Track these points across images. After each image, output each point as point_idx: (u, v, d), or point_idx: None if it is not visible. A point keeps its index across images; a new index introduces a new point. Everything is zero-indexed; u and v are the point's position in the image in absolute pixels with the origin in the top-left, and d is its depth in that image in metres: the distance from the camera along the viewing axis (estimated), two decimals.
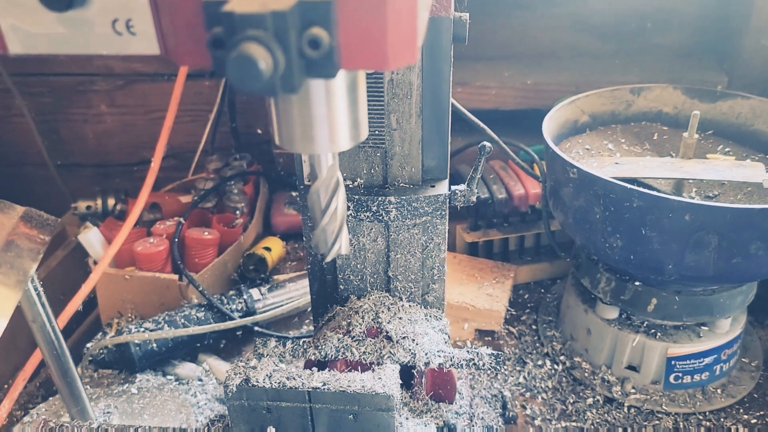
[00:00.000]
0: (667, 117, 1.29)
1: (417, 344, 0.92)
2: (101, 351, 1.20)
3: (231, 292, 1.31)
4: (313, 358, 0.91)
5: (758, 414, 1.13)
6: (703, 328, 1.14)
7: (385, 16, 0.43)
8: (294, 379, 0.76)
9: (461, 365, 0.92)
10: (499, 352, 0.92)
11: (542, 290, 1.43)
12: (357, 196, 0.88)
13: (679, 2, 1.54)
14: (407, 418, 0.90)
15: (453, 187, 0.91)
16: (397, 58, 0.45)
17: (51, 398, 1.16)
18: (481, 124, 1.09)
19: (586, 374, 1.19)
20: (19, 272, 0.53)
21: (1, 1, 0.48)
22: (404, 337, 0.92)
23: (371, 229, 0.92)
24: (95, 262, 1.32)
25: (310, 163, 0.53)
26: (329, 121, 0.49)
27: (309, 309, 1.38)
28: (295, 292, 1.35)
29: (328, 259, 0.58)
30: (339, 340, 0.93)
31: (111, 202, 1.52)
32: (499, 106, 1.51)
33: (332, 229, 0.57)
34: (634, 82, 1.30)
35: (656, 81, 1.32)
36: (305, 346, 0.94)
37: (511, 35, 1.59)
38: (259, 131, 1.77)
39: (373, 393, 0.74)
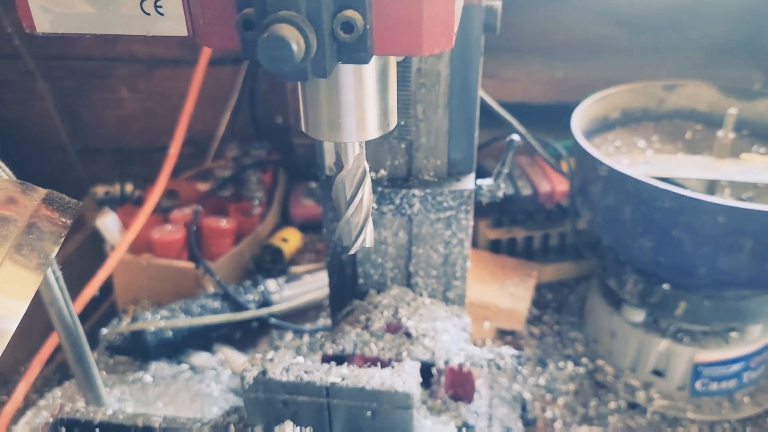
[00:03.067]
0: (700, 115, 1.24)
1: (437, 342, 0.89)
2: (117, 337, 1.19)
3: (247, 283, 1.30)
4: (330, 352, 0.89)
5: None
6: (732, 334, 1.10)
7: (422, 0, 0.40)
8: (312, 373, 0.74)
9: (482, 365, 0.90)
10: (521, 353, 0.90)
11: (566, 290, 1.40)
12: (380, 188, 0.85)
13: None
14: (425, 417, 0.88)
15: (479, 182, 0.88)
16: (432, 43, 0.42)
17: (66, 383, 1.16)
18: (509, 117, 1.06)
19: (609, 378, 1.16)
20: (40, 255, 0.51)
21: None
22: (424, 334, 0.90)
23: (393, 222, 0.90)
24: (112, 248, 1.32)
25: (336, 153, 0.51)
26: (358, 109, 0.46)
27: (326, 302, 1.36)
28: (312, 285, 1.33)
29: (352, 251, 0.56)
30: (357, 334, 0.91)
31: (129, 187, 1.52)
32: (527, 100, 1.47)
33: (357, 221, 0.55)
34: (666, 78, 1.26)
35: (689, 77, 1.28)
36: (323, 340, 0.92)
37: (540, 27, 1.55)
38: (279, 120, 1.75)
39: (393, 390, 0.72)
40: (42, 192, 0.59)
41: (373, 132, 0.48)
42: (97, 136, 1.78)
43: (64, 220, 0.56)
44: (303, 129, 0.48)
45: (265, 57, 0.36)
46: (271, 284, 1.29)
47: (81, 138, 1.78)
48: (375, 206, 0.87)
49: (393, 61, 0.49)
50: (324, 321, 1.34)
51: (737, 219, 0.89)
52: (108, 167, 1.80)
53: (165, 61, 1.69)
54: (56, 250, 0.57)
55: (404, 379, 0.75)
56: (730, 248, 0.91)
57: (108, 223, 1.30)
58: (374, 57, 0.43)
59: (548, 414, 1.10)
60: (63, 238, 0.58)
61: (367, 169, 0.54)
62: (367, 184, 0.54)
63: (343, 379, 0.74)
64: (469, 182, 0.86)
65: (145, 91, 1.72)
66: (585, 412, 1.11)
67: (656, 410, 1.10)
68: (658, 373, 1.13)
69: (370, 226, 0.57)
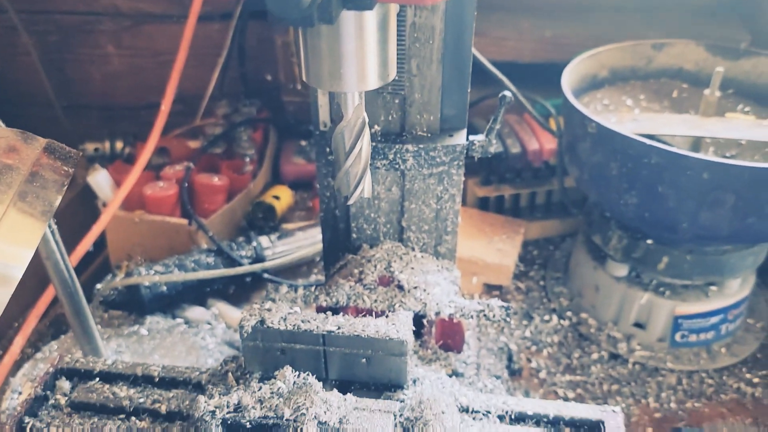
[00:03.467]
0: (687, 74, 1.26)
1: (428, 294, 0.92)
2: (111, 292, 1.20)
3: (240, 239, 1.31)
4: (324, 304, 0.92)
5: (761, 373, 1.14)
6: (711, 288, 1.14)
7: None
8: (309, 322, 0.76)
9: (471, 316, 0.93)
10: (509, 305, 0.93)
11: (552, 247, 1.43)
12: (374, 144, 0.86)
13: None
14: (416, 365, 0.91)
15: (471, 137, 0.89)
16: None
17: (63, 336, 1.18)
18: (500, 75, 1.07)
19: (592, 330, 1.20)
20: (44, 203, 0.52)
21: None
22: (416, 287, 0.92)
23: (387, 177, 0.91)
24: (104, 205, 1.32)
25: (336, 103, 0.52)
26: (359, 58, 0.47)
27: (318, 258, 1.38)
28: (305, 241, 1.35)
29: (351, 201, 0.58)
30: (351, 287, 0.93)
31: (119, 145, 1.51)
32: (517, 59, 1.47)
33: (356, 171, 0.56)
34: (655, 39, 1.27)
35: (678, 38, 1.29)
36: (317, 293, 0.94)
37: None
38: (269, 77, 1.73)
39: (387, 338, 0.75)
40: (42, 141, 0.59)
41: (373, 82, 0.49)
42: (83, 92, 1.76)
43: (66, 169, 0.57)
44: (304, 79, 0.49)
45: (273, 2, 0.37)
46: (264, 240, 1.31)
47: (67, 94, 1.76)
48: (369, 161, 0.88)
49: (393, 11, 0.50)
50: (316, 277, 1.36)
51: (720, 175, 0.91)
52: (96, 124, 1.78)
53: (151, 17, 1.66)
54: (59, 198, 0.58)
55: (398, 327, 0.77)
56: (712, 204, 0.94)
57: (100, 179, 1.30)
58: (376, 6, 0.44)
59: (533, 364, 1.15)
60: (66, 187, 0.58)
61: (366, 120, 0.55)
62: (366, 135, 0.56)
63: (339, 328, 0.76)
64: (461, 138, 0.88)
65: (132, 47, 1.70)
66: (569, 362, 1.15)
67: (637, 361, 1.14)
68: (639, 325, 1.17)
69: (368, 176, 0.58)
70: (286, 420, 0.65)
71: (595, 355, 1.16)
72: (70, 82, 1.74)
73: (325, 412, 0.65)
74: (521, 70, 1.46)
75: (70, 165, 0.56)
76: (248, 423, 0.66)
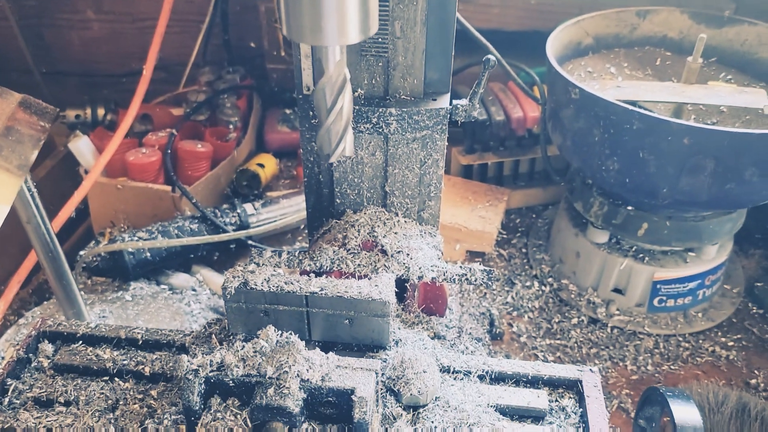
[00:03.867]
0: (671, 42, 1.26)
1: (411, 258, 0.93)
2: (95, 258, 1.20)
3: (224, 206, 1.31)
4: (308, 268, 0.92)
5: (735, 337, 1.17)
6: (690, 254, 1.16)
7: None
8: (292, 283, 0.77)
9: (453, 280, 0.94)
10: (491, 269, 0.94)
11: (534, 215, 1.44)
12: (357, 107, 0.86)
13: None
14: (399, 328, 0.92)
15: (455, 102, 0.89)
16: None
17: (45, 302, 1.18)
18: (485, 42, 1.07)
19: (573, 296, 1.22)
20: (20, 157, 0.52)
21: None
22: (399, 251, 0.93)
23: (370, 142, 0.91)
24: (86, 171, 1.31)
25: (317, 59, 0.52)
26: (339, 10, 0.47)
27: (302, 226, 1.38)
28: (289, 209, 1.35)
29: (332, 160, 0.58)
30: (334, 252, 0.93)
31: (101, 111, 1.49)
32: (502, 26, 1.47)
33: (337, 129, 0.56)
34: (639, 6, 1.26)
35: (662, 6, 1.29)
36: (300, 257, 0.94)
37: None
38: (253, 45, 1.71)
39: (370, 299, 0.76)
40: (18, 96, 0.59)
41: (354, 35, 0.49)
42: (63, 58, 1.73)
43: (42, 124, 0.57)
44: (284, 33, 0.49)
45: None
46: (249, 207, 1.31)
47: (46, 60, 1.72)
48: (352, 125, 0.88)
49: None
50: (301, 245, 1.37)
51: (700, 140, 0.92)
52: (76, 91, 1.76)
53: None
54: (35, 153, 0.58)
55: (380, 288, 0.78)
56: (692, 169, 0.95)
57: (81, 146, 1.29)
58: None
59: (514, 329, 1.16)
60: (42, 142, 0.58)
61: (348, 76, 0.55)
62: (348, 92, 0.56)
63: (322, 289, 0.77)
64: (444, 102, 0.88)
65: (112, 12, 1.67)
66: (549, 327, 1.17)
67: (615, 325, 1.17)
68: (618, 290, 1.19)
69: (350, 134, 0.58)
70: (269, 378, 0.66)
71: (575, 320, 1.18)
72: (49, 48, 1.71)
73: (307, 370, 0.66)
74: (507, 37, 1.46)
75: (46, 120, 0.55)
76: (231, 381, 0.67)
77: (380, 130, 0.88)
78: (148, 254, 1.19)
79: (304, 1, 0.47)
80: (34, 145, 0.53)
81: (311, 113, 0.89)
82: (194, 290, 1.22)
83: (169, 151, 1.32)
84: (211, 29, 1.65)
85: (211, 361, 0.67)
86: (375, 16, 0.50)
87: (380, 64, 0.85)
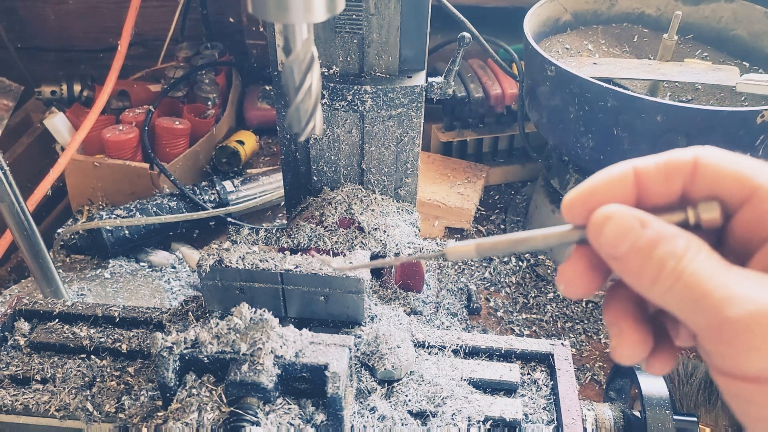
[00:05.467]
0: (649, 19, 1.27)
1: (388, 235, 0.94)
2: (72, 236, 1.20)
3: (203, 183, 1.31)
4: (285, 246, 0.93)
5: None
6: None
7: None
8: (267, 261, 0.77)
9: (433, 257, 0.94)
10: (444, 241, 0.95)
11: (512, 192, 1.45)
12: (332, 84, 0.86)
13: None
14: (376, 304, 0.93)
15: (430, 79, 0.90)
16: None
17: (23, 281, 1.17)
18: (462, 17, 1.06)
19: (549, 271, 1.24)
20: None
21: None
22: (376, 228, 0.94)
23: (346, 119, 0.91)
24: (62, 149, 1.30)
25: (284, 36, 0.52)
26: None
27: (282, 203, 1.38)
28: (269, 186, 1.35)
29: (302, 138, 0.58)
30: (312, 229, 0.94)
31: (77, 88, 1.47)
32: (481, 3, 1.46)
33: (306, 107, 0.56)
34: None
35: None
36: (278, 234, 0.95)
37: None
38: (232, 20, 1.69)
39: (344, 276, 0.76)
40: None
41: (321, 14, 0.48)
42: (37, 33, 1.70)
43: (5, 102, 0.56)
44: (249, 10, 0.49)
45: None
46: (228, 185, 1.30)
47: (21, 35, 1.69)
48: (328, 103, 0.88)
49: None
50: (281, 222, 1.37)
51: (673, 117, 0.93)
52: (52, 67, 1.73)
53: None
54: None
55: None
56: (665, 146, 0.96)
57: (57, 123, 1.27)
58: None
59: (492, 303, 1.18)
60: (6, 121, 0.57)
61: (316, 54, 0.55)
62: (316, 70, 0.55)
63: (296, 267, 0.77)
64: (420, 79, 0.88)
65: None
66: (525, 301, 1.19)
67: (590, 300, 1.19)
68: None
69: (319, 112, 0.58)
70: (243, 354, 0.67)
71: (550, 295, 1.20)
72: (24, 23, 1.68)
73: (281, 347, 0.67)
74: (486, 14, 1.45)
75: (10, 99, 0.55)
76: (206, 358, 0.68)
77: (356, 108, 0.88)
78: (127, 232, 1.19)
79: None
80: None
81: None
82: (174, 267, 1.22)
83: (147, 128, 1.31)
84: (189, 3, 1.63)
85: (185, 338, 0.68)
86: None
87: (355, 41, 0.85)
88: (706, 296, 0.31)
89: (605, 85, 0.95)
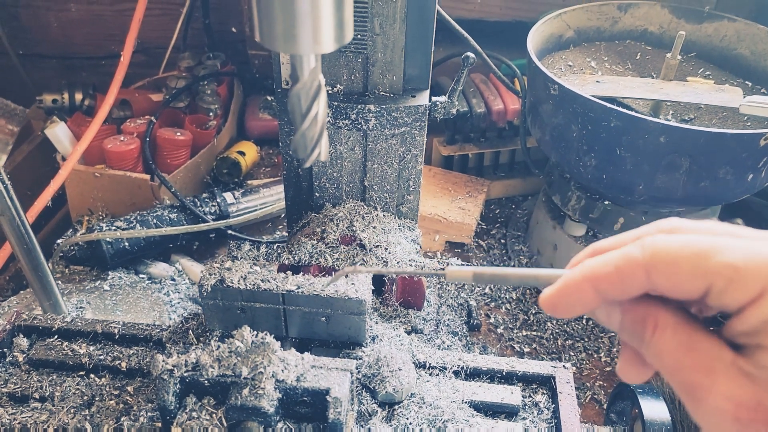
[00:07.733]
0: (651, 36, 1.27)
1: (389, 253, 0.93)
2: (72, 247, 1.19)
3: (204, 195, 1.30)
4: (286, 262, 0.92)
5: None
6: None
7: None
8: (269, 281, 0.77)
9: (431, 274, 0.94)
10: (449, 261, 0.95)
11: (513, 206, 1.45)
12: (336, 103, 0.86)
13: None
14: (376, 323, 0.93)
15: (434, 99, 0.89)
16: None
17: (22, 291, 1.17)
18: (465, 34, 1.06)
19: None
20: None
21: None
22: (377, 246, 0.94)
23: (349, 137, 0.91)
24: (63, 158, 1.29)
25: (291, 65, 0.51)
26: (313, 19, 0.47)
27: (283, 215, 1.38)
28: (270, 198, 1.34)
29: (307, 164, 0.57)
30: (313, 246, 0.94)
31: (78, 96, 1.47)
32: (484, 17, 1.46)
33: (312, 134, 0.56)
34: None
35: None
36: (279, 251, 0.94)
37: None
38: (234, 30, 1.69)
39: (346, 297, 0.76)
40: None
41: (329, 45, 0.48)
42: (40, 40, 1.70)
43: (11, 127, 0.56)
44: (257, 39, 0.48)
45: None
46: (229, 196, 1.30)
47: (23, 42, 1.69)
48: (331, 121, 0.88)
49: None
50: (281, 234, 1.36)
51: (676, 138, 0.93)
52: (54, 75, 1.73)
53: None
54: (4, 159, 0.57)
55: (357, 287, 0.79)
56: (668, 166, 0.97)
57: (58, 132, 1.27)
58: None
59: (492, 320, 1.18)
60: (11, 146, 0.57)
61: (323, 82, 0.55)
62: (323, 98, 0.55)
63: (298, 287, 0.77)
64: (424, 98, 0.88)
65: None
66: (526, 318, 1.19)
67: (591, 317, 1.18)
68: None
69: (325, 139, 0.58)
70: (244, 378, 0.66)
71: None
72: (26, 30, 1.67)
73: (282, 371, 0.67)
74: (489, 28, 1.46)
75: (15, 123, 0.54)
76: (206, 381, 0.67)
77: (359, 126, 0.88)
78: (127, 243, 1.19)
79: (277, 8, 0.46)
80: (3, 150, 0.52)
81: None
82: (173, 280, 1.22)
83: (148, 139, 1.30)
84: (192, 13, 1.63)
85: (186, 361, 0.67)
86: (350, 24, 0.50)
87: (359, 60, 0.85)
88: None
89: (609, 105, 0.95)
